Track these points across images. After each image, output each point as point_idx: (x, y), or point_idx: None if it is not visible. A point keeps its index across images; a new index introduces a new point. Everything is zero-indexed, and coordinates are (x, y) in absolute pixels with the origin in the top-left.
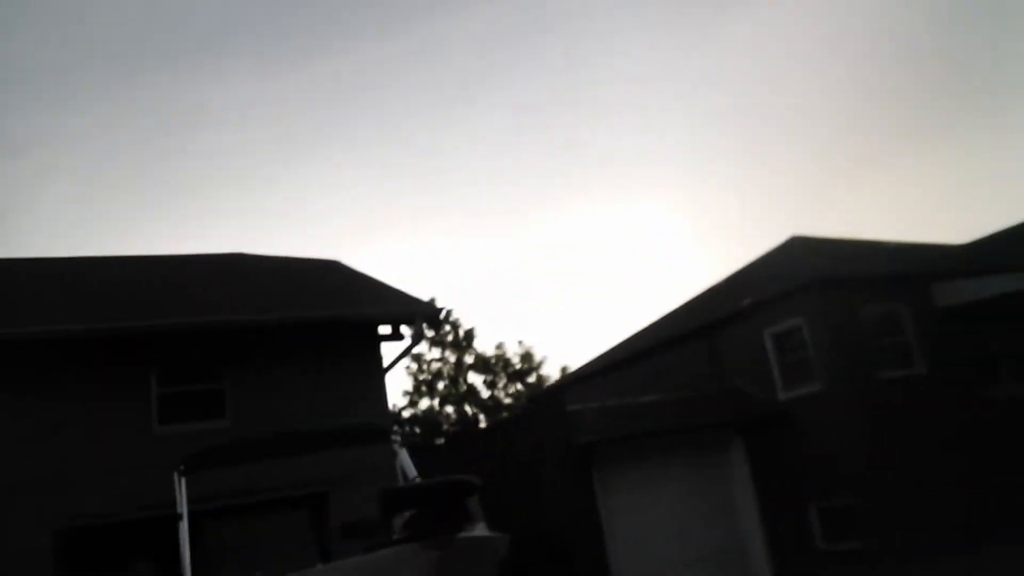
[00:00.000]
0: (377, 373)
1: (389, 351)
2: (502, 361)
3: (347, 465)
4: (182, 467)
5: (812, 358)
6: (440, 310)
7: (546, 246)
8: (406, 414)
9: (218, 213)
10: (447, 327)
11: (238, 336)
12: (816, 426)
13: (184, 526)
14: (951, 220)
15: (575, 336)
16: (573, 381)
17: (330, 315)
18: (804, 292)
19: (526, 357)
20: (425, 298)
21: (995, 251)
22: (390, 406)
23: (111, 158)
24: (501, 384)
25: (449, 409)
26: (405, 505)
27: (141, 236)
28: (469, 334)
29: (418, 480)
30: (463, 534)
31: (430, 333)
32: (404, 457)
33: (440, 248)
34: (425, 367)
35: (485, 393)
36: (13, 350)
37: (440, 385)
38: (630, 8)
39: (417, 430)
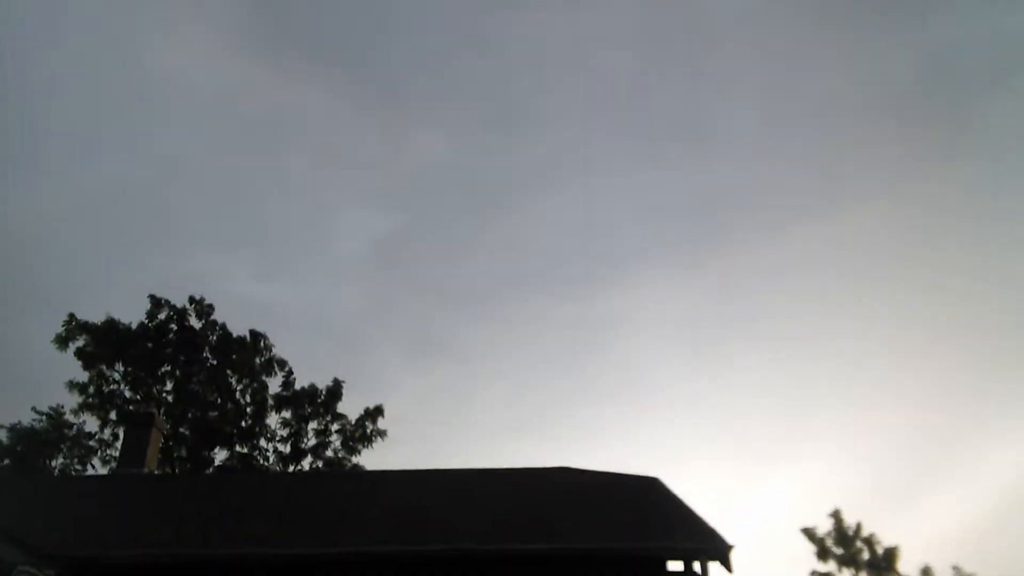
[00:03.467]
0: None
1: None
2: None
3: None
4: None
5: None
6: (730, 547)
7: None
8: None
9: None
10: (859, 543)
11: (512, 562)
12: None
13: None
14: None
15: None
16: None
17: (597, 547)
18: None
19: None
20: (723, 533)
21: None
22: None
23: (533, 365)
24: None
25: None
26: None
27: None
28: (890, 554)
29: None
30: None
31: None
32: None
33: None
34: None
35: None
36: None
37: None
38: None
39: None
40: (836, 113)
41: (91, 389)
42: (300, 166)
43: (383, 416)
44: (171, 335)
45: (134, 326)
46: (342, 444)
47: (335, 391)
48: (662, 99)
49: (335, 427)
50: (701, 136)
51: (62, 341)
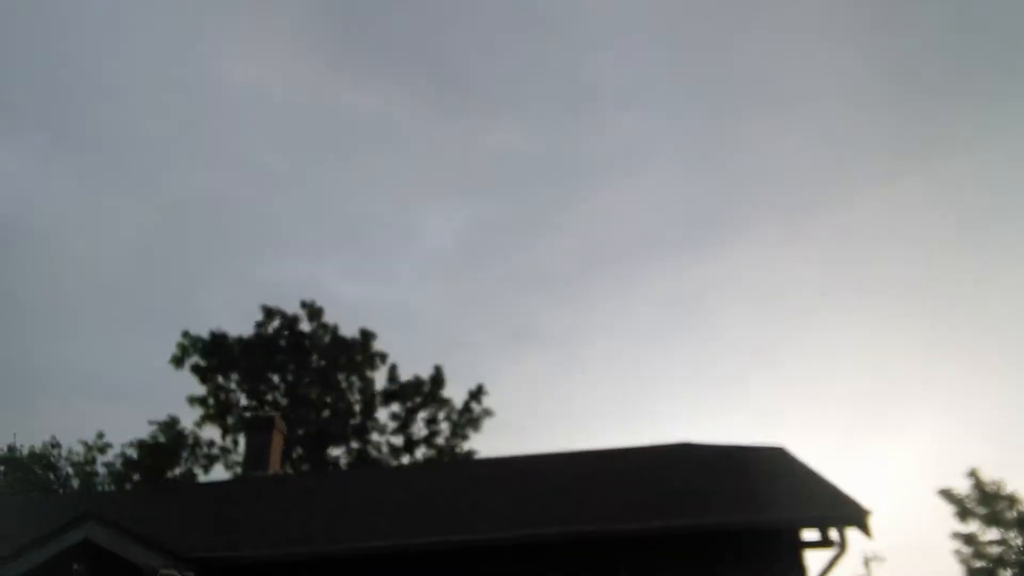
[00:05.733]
0: None
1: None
2: None
3: None
4: None
5: None
6: (867, 512)
7: None
8: None
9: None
10: (1005, 501)
11: (637, 541)
12: None
13: None
14: None
15: None
16: None
17: (729, 521)
18: None
19: None
20: (859, 499)
21: None
22: None
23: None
24: None
25: None
26: None
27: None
28: None
29: None
30: None
31: (862, 540)
32: None
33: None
34: (981, 551)
35: None
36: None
37: (1006, 574)
38: None
39: None
40: (930, 65)
41: (210, 401)
42: (380, 165)
43: (485, 394)
44: (281, 341)
45: (243, 336)
46: (451, 429)
47: (437, 378)
48: (740, 67)
49: (442, 414)
50: (787, 99)
51: (178, 360)
